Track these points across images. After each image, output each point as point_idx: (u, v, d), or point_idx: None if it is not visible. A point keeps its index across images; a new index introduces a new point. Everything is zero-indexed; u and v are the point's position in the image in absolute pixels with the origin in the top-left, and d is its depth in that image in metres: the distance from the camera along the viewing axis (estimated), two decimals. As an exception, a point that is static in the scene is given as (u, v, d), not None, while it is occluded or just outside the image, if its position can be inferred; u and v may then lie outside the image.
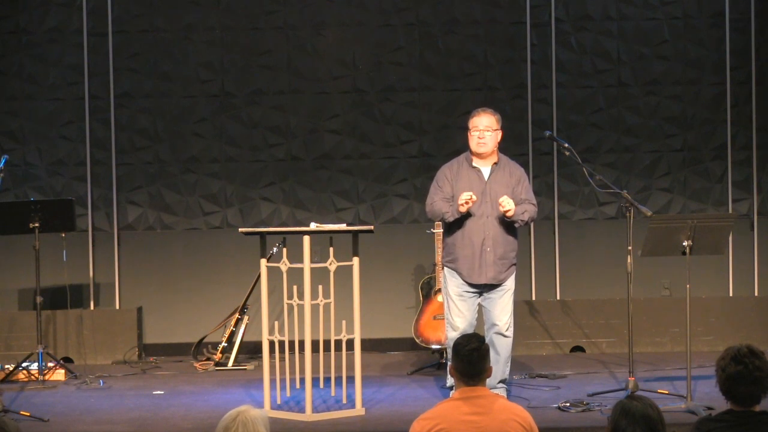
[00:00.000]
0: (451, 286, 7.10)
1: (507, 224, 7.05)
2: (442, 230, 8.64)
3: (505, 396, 6.94)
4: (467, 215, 6.99)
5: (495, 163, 7.14)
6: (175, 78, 9.78)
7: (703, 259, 7.53)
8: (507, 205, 6.88)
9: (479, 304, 7.16)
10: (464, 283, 7.07)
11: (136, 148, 9.78)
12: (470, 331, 7.01)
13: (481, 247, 7.00)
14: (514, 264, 7.16)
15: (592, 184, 7.49)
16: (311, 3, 9.81)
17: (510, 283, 7.12)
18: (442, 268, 7.27)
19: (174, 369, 9.00)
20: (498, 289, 7.08)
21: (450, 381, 7.15)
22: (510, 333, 7.09)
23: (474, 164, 7.12)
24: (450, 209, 7.02)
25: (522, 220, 7.07)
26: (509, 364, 7.14)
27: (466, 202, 6.88)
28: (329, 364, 7.15)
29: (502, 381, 7.09)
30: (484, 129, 7.06)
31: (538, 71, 9.81)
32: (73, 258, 9.26)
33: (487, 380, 6.82)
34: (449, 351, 7.13)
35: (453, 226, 7.06)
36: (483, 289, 7.09)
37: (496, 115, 7.15)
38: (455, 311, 7.09)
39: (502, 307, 7.07)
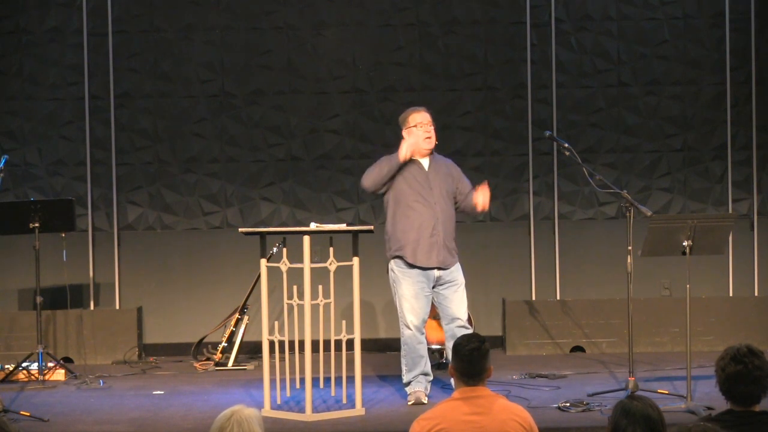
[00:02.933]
0: (406, 286, 7.20)
1: (451, 213, 7.34)
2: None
3: None
4: (415, 204, 7.21)
5: (431, 155, 7.41)
6: (175, 78, 9.78)
7: (703, 259, 7.53)
8: (486, 200, 7.29)
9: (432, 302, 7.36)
10: (417, 280, 7.18)
11: (136, 148, 9.78)
12: (423, 328, 7.26)
13: (432, 231, 7.19)
14: (456, 255, 7.36)
15: (592, 184, 7.48)
16: (311, 3, 9.81)
17: (460, 277, 7.32)
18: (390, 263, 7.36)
19: (174, 369, 9.00)
20: (450, 283, 7.26)
21: (405, 377, 7.29)
22: (470, 325, 7.34)
23: (412, 157, 7.31)
24: (390, 157, 7.23)
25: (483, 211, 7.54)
26: None
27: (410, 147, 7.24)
28: (329, 364, 7.15)
29: None
30: (429, 124, 7.36)
31: (538, 71, 9.81)
32: (73, 258, 9.27)
33: None
34: (404, 348, 7.25)
35: (402, 216, 7.23)
36: (432, 279, 7.22)
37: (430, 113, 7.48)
38: (409, 309, 7.18)
39: (458, 302, 7.29)
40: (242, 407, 3.57)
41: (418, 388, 7.21)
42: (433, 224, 7.21)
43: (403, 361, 7.29)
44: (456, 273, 7.30)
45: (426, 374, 7.26)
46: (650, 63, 9.83)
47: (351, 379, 7.10)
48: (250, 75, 9.79)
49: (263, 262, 7.10)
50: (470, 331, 7.21)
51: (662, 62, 9.84)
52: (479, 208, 7.33)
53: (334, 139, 9.81)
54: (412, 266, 7.19)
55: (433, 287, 7.26)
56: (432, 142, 7.35)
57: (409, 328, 7.20)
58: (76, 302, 9.38)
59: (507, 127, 9.83)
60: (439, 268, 7.23)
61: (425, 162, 7.36)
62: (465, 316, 7.31)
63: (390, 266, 7.31)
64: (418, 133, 7.30)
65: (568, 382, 8.05)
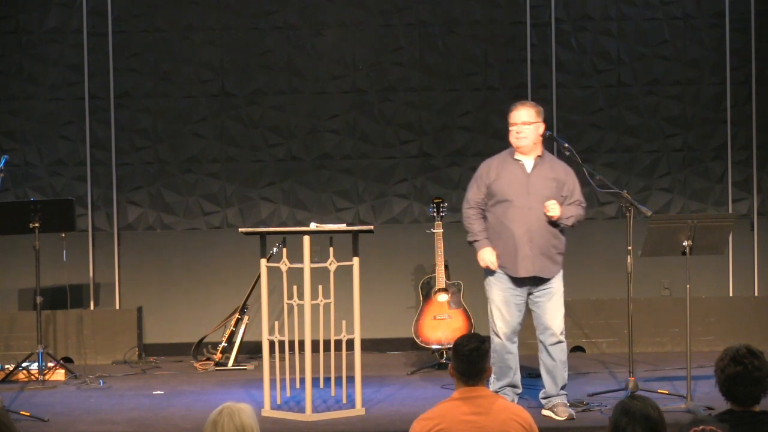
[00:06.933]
0: (496, 291, 6.90)
1: (551, 220, 6.86)
2: (442, 230, 8.68)
3: (566, 402, 6.84)
4: (510, 208, 6.83)
5: (539, 156, 6.94)
6: (175, 78, 9.78)
7: (703, 259, 7.53)
8: (552, 210, 6.76)
9: (530, 309, 6.95)
10: (508, 286, 6.87)
11: (136, 148, 9.78)
12: (514, 337, 6.91)
13: (522, 239, 6.78)
14: (559, 263, 6.91)
15: (592, 184, 7.48)
16: (311, 3, 9.81)
17: (557, 285, 6.88)
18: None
19: (174, 369, 9.00)
20: (545, 291, 6.86)
21: (492, 386, 6.86)
22: (564, 337, 6.90)
23: (516, 157, 6.96)
24: (480, 239, 6.90)
25: (566, 225, 6.89)
26: (566, 368, 6.94)
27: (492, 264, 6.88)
28: (329, 364, 7.15)
29: (563, 387, 6.89)
30: (522, 124, 6.90)
31: (538, 71, 9.81)
32: (73, 258, 9.26)
33: (550, 388, 6.78)
34: (493, 356, 6.83)
35: (494, 219, 6.89)
36: (528, 287, 6.87)
37: (536, 108, 6.99)
38: (499, 317, 6.88)
39: (552, 310, 6.86)
40: (233, 402, 3.61)
41: None
42: (525, 231, 6.77)
43: (492, 368, 6.55)
44: (553, 280, 6.87)
45: (514, 386, 6.93)
46: (650, 63, 9.83)
47: (351, 379, 7.10)
48: (250, 75, 9.79)
49: (263, 262, 7.11)
50: (563, 342, 6.88)
51: (662, 62, 9.83)
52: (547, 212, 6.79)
53: (334, 139, 9.81)
54: (502, 272, 6.89)
55: (529, 294, 6.89)
56: (523, 140, 6.87)
57: (498, 337, 6.88)
58: (76, 302, 9.38)
59: (507, 127, 9.80)
60: (535, 278, 6.82)
61: (529, 163, 6.92)
62: (559, 328, 6.85)
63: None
64: (511, 132, 6.94)
65: (568, 382, 8.03)
